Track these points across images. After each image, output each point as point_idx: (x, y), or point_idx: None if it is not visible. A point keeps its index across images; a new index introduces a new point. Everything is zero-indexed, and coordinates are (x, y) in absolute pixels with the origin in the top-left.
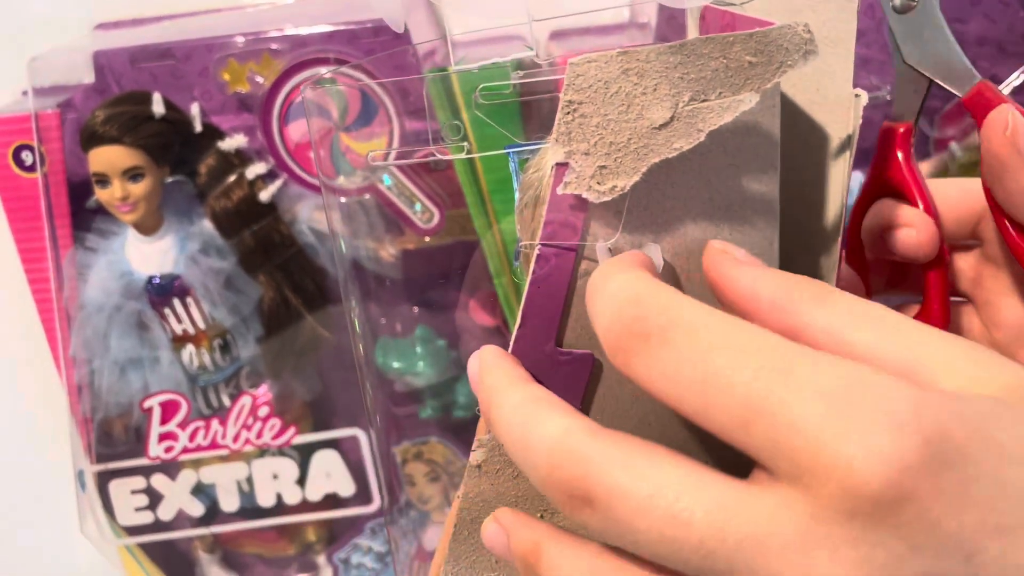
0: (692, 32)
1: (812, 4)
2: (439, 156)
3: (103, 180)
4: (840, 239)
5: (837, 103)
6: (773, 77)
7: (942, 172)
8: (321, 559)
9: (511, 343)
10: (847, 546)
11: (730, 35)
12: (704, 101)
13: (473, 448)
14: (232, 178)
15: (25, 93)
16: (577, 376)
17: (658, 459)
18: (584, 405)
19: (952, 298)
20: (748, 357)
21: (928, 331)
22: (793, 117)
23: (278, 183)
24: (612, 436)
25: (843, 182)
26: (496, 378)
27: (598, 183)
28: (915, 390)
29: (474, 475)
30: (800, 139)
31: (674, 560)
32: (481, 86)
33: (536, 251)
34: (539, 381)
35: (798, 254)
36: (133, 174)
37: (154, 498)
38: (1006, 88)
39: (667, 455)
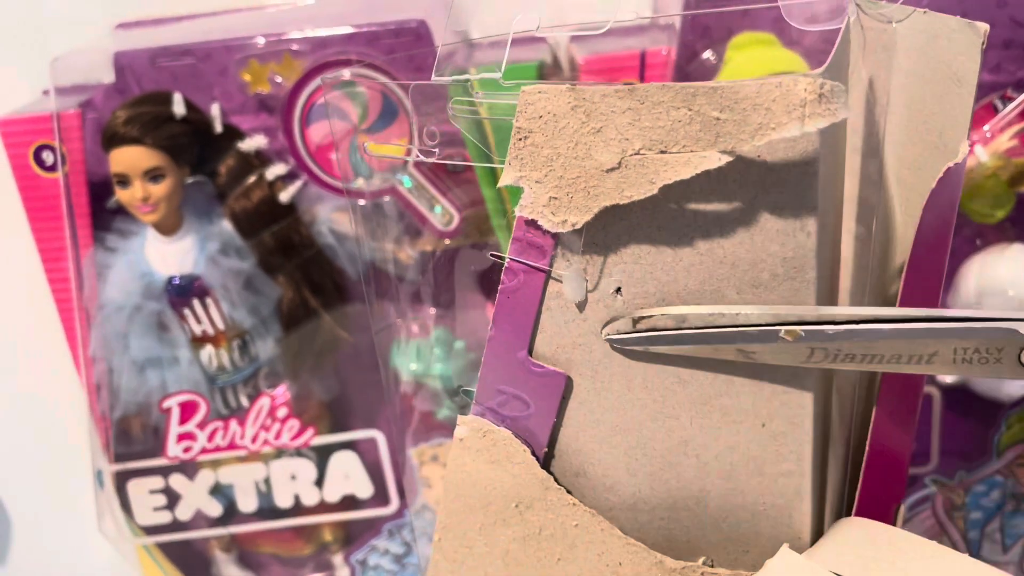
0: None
1: (949, 32)
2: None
3: (124, 180)
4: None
5: (951, 157)
6: (752, 140)
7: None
8: (338, 559)
9: (486, 343)
10: None
11: (691, 85)
12: (662, 153)
13: (458, 424)
14: (252, 179)
15: (46, 93)
16: (551, 391)
17: None
18: (559, 418)
19: None
20: None
21: None
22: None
23: (298, 184)
24: None
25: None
26: None
27: (552, 213)
28: None
29: (457, 446)
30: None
31: None
32: (454, 99)
33: (505, 263)
34: (512, 385)
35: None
36: (154, 175)
37: (172, 498)
38: None
39: None
